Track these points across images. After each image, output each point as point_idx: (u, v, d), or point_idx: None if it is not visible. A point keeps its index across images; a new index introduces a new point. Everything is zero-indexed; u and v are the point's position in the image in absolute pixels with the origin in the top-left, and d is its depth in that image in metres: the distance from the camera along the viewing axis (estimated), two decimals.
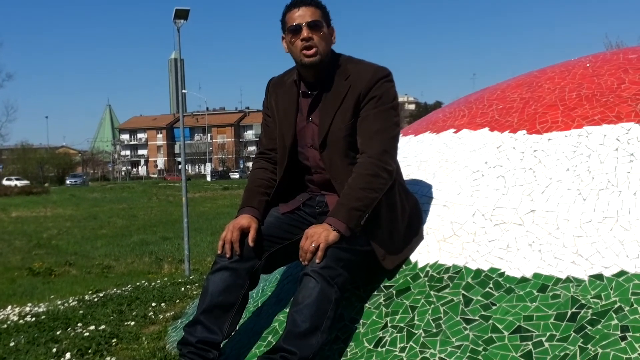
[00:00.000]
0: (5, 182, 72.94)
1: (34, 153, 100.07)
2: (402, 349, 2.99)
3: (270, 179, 3.45)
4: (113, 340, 4.33)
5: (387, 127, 3.21)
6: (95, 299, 6.38)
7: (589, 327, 2.75)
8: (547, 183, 3.42)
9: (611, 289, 2.87)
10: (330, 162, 3.27)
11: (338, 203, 3.12)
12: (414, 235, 3.46)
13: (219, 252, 3.22)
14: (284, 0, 3.31)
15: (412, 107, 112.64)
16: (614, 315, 2.77)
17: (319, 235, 2.99)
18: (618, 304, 2.80)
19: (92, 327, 4.73)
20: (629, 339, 2.66)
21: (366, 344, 3.10)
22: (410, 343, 3.00)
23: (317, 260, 2.97)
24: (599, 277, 2.93)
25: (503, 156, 3.71)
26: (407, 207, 3.39)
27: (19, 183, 72.02)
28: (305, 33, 3.19)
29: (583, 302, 2.86)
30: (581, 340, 2.72)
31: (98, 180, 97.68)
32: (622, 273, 2.91)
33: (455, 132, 4.19)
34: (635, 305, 2.77)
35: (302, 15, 3.21)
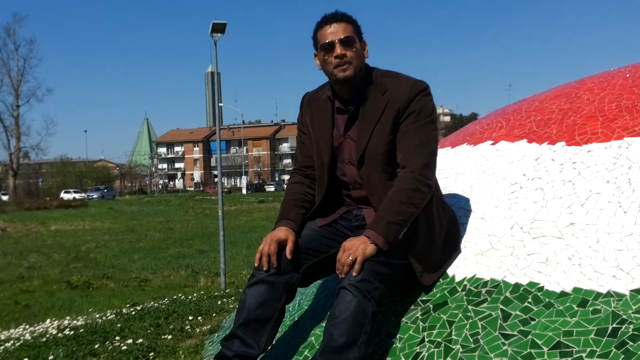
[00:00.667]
0: (63, 195, 73.30)
1: (73, 166, 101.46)
2: None
3: (308, 193, 3.45)
4: (150, 354, 4.35)
5: (427, 141, 3.19)
6: (133, 312, 6.43)
7: (631, 343, 2.69)
8: (587, 195, 3.37)
9: None
10: (368, 178, 3.25)
11: (377, 216, 3.10)
12: (451, 249, 3.42)
13: (256, 264, 3.22)
14: (320, 13, 3.30)
15: (447, 119, 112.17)
16: None
17: (356, 248, 2.97)
18: None
19: (130, 341, 4.76)
20: None
21: (403, 359, 3.07)
22: (448, 359, 2.96)
23: (354, 274, 2.95)
24: None
25: (542, 168, 3.66)
26: (445, 221, 3.36)
27: (77, 196, 72.43)
28: (338, 50, 3.17)
29: (624, 317, 2.80)
30: (622, 356, 2.66)
31: (136, 194, 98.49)
32: None
33: (493, 144, 4.15)
34: None
35: (334, 32, 3.19)
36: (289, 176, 3.67)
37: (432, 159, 3.21)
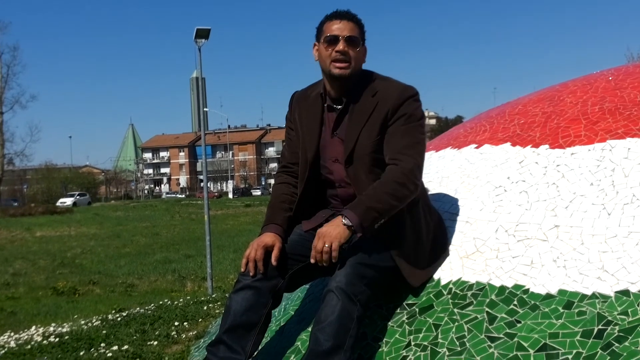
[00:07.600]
0: (60, 203, 71.82)
1: (57, 173, 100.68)
2: None
3: (294, 193, 3.43)
4: None
5: (417, 142, 3.20)
6: (119, 319, 6.40)
7: (616, 344, 2.71)
8: (571, 198, 3.38)
9: (638, 305, 2.82)
10: (356, 177, 3.24)
11: (358, 199, 3.08)
12: (439, 251, 3.42)
13: (242, 270, 3.20)
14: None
15: (433, 122, 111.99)
16: None
17: (330, 235, 2.96)
18: None
19: (115, 348, 4.73)
20: None
21: None
22: None
23: (333, 260, 2.94)
24: (626, 293, 2.88)
25: (526, 171, 3.67)
26: (432, 223, 3.36)
27: (68, 201, 72.16)
28: (341, 46, 3.19)
29: (610, 318, 2.81)
30: (608, 357, 2.67)
31: (121, 199, 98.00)
32: None
33: (477, 147, 4.16)
34: None
35: (341, 28, 3.21)
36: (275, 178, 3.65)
37: (421, 160, 3.22)
